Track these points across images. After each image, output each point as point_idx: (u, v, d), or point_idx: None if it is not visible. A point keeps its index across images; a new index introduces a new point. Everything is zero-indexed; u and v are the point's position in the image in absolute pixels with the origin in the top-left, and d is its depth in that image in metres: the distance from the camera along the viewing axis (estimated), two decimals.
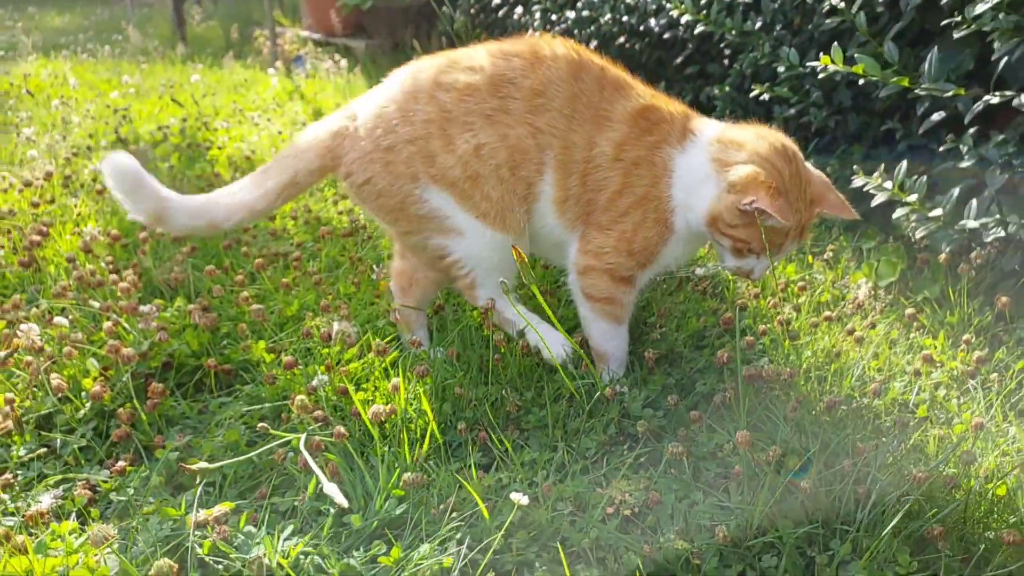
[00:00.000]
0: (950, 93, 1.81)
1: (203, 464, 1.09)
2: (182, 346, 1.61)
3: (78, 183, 2.70)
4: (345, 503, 1.05)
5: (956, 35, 1.82)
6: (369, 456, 1.32)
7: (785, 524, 1.19)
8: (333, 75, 4.74)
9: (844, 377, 1.62)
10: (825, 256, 2.24)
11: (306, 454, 1.17)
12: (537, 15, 4.32)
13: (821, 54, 1.94)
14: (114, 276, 1.83)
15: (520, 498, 1.07)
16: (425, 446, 1.29)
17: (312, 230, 2.36)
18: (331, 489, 1.06)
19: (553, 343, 1.56)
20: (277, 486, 1.32)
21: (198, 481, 1.17)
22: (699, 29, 2.83)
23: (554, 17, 4.09)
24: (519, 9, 4.66)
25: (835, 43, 1.96)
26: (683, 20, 2.84)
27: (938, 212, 1.89)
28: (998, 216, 1.88)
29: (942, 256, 1.99)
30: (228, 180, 2.81)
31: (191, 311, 1.64)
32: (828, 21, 2.37)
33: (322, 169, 1.61)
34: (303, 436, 1.22)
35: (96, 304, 1.71)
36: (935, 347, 1.80)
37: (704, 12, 2.82)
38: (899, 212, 1.95)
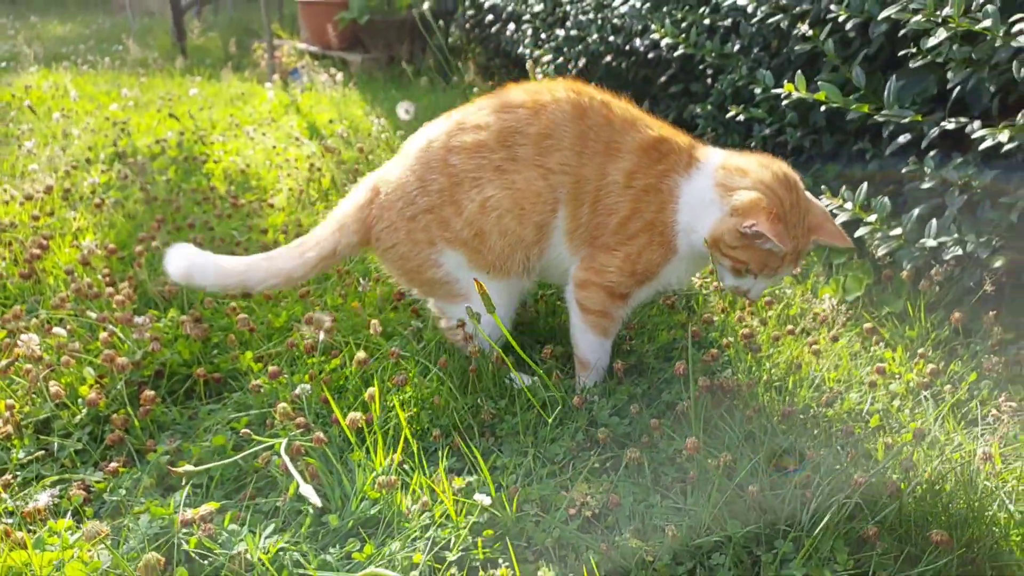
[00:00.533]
0: (907, 119, 1.91)
1: (189, 467, 1.17)
2: (174, 355, 1.70)
3: (77, 196, 2.79)
4: (319, 503, 1.14)
5: (912, 64, 1.92)
6: (348, 460, 1.41)
7: (733, 525, 1.28)
8: (328, 88, 4.84)
9: (802, 388, 1.71)
10: (793, 272, 2.33)
11: (285, 458, 1.26)
12: (528, 32, 4.43)
13: (785, 80, 2.03)
14: (110, 288, 1.92)
15: (483, 499, 1.16)
16: (398, 452, 1.37)
17: None
18: (306, 490, 1.15)
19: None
20: (261, 488, 1.41)
21: (184, 483, 1.25)
22: (679, 52, 2.93)
23: (544, 35, 4.19)
24: (511, 26, 4.78)
25: (806, 67, 2.07)
26: (664, 43, 2.94)
27: (898, 231, 1.99)
28: (956, 235, 1.97)
29: (904, 273, 2.08)
30: (224, 193, 2.91)
31: (183, 322, 1.73)
32: (802, 46, 2.47)
33: (360, 242, 1.74)
34: (284, 441, 1.30)
35: (93, 315, 1.80)
36: (893, 360, 1.89)
37: (684, 35, 2.92)
38: (861, 231, 2.04)
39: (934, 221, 2.00)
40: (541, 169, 1.59)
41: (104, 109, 4.23)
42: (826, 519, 1.23)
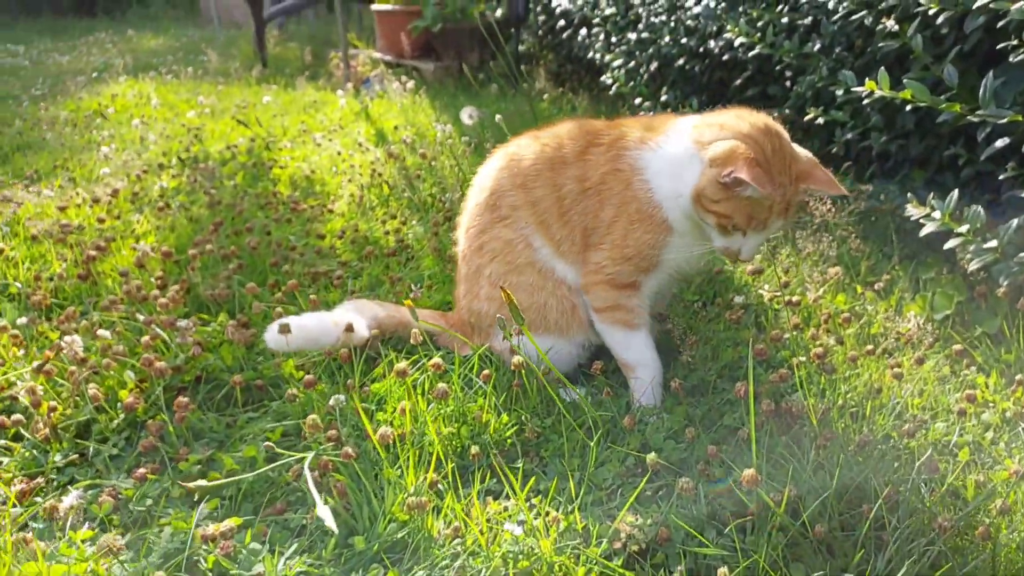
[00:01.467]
0: (1006, 119, 1.72)
1: (201, 482, 1.12)
2: (216, 361, 1.66)
3: (146, 199, 2.83)
4: (334, 528, 1.06)
5: (1013, 59, 1.73)
6: (381, 478, 1.34)
7: (797, 569, 1.15)
8: (399, 96, 4.84)
9: (881, 415, 1.55)
10: (877, 286, 2.16)
11: (308, 476, 1.19)
12: (600, 37, 4.33)
13: (867, 79, 1.87)
14: (156, 292, 1.91)
15: (514, 529, 1.06)
16: (430, 471, 1.29)
17: (359, 249, 2.40)
18: (324, 512, 1.07)
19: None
20: (292, 502, 1.35)
21: (196, 497, 1.20)
22: (754, 52, 2.78)
23: (614, 39, 4.08)
24: (583, 31, 4.68)
25: (893, 68, 1.91)
26: (738, 42, 2.79)
27: (994, 243, 1.80)
28: None
29: (1001, 290, 1.89)
30: (285, 198, 2.90)
31: (228, 327, 1.69)
32: (888, 43, 2.29)
33: None
34: (310, 456, 1.24)
35: (141, 317, 1.79)
36: (986, 386, 1.71)
37: (760, 35, 2.77)
38: (952, 243, 1.86)
39: None
40: (498, 220, 1.66)
41: (181, 116, 4.33)
42: (904, 568, 1.08)
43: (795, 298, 1.99)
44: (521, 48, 5.98)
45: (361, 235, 2.49)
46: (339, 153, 3.43)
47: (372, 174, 2.99)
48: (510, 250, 1.65)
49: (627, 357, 1.64)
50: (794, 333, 1.86)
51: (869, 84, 1.83)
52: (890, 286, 2.20)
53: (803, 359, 1.67)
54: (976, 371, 1.78)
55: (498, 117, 2.91)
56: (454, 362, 1.64)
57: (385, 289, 2.15)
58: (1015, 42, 1.73)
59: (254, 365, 1.72)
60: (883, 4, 2.34)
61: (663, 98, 3.56)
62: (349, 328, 1.58)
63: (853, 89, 2.06)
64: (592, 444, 1.43)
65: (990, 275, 1.98)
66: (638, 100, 3.71)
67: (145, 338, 1.63)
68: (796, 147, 1.54)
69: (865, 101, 2.09)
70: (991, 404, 1.66)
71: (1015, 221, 1.85)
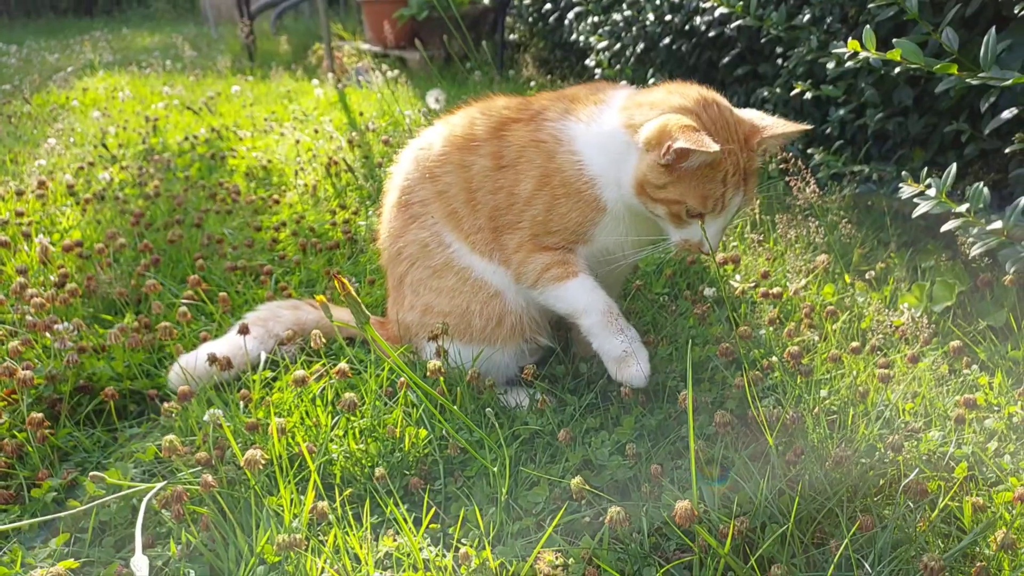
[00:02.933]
0: (1008, 82, 1.49)
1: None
2: (106, 368, 1.46)
3: (90, 192, 2.63)
4: None
5: (1017, 11, 1.50)
6: (266, 507, 1.13)
7: None
8: (380, 86, 4.64)
9: (864, 422, 1.33)
10: (868, 276, 1.93)
11: (141, 510, 0.98)
12: (586, 19, 4.11)
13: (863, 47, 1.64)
14: (52, 291, 1.70)
15: None
16: (307, 502, 1.08)
17: (305, 241, 2.20)
18: (138, 563, 0.87)
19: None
20: (162, 535, 1.14)
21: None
22: (736, 23, 2.56)
23: (596, 19, 3.87)
24: (571, 14, 4.46)
25: (888, 39, 1.68)
26: (719, 12, 2.57)
27: (997, 225, 1.57)
28: None
29: (1007, 278, 1.66)
30: (234, 189, 2.71)
31: (111, 332, 1.48)
32: (882, 8, 2.06)
33: None
34: (157, 487, 1.03)
35: (29, 319, 1.58)
36: (990, 388, 1.49)
37: (742, 4, 2.54)
38: (950, 224, 1.63)
39: None
40: (411, 220, 1.50)
41: (148, 108, 4.14)
42: None
43: (775, 290, 1.77)
44: (512, 36, 5.77)
45: (305, 227, 2.29)
46: (298, 142, 3.23)
47: (329, 163, 2.79)
48: (426, 253, 1.47)
49: (568, 308, 1.40)
50: (770, 329, 1.64)
51: (852, 44, 1.60)
52: (884, 275, 1.97)
53: (777, 358, 1.45)
54: (979, 370, 1.55)
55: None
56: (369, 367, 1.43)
57: (323, 285, 1.94)
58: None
59: (149, 372, 1.52)
60: None
61: (651, 81, 3.34)
62: (223, 365, 1.37)
63: (834, 51, 1.84)
64: (504, 464, 1.21)
65: (996, 262, 1.75)
66: (623, 83, 3.49)
67: (13, 343, 1.42)
68: (741, 111, 1.38)
69: (853, 66, 1.86)
70: (996, 408, 1.44)
71: (1021, 200, 1.62)
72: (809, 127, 1.40)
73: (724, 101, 1.35)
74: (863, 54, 1.61)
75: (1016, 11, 1.54)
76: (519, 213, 1.39)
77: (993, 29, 1.56)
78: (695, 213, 1.30)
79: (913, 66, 1.57)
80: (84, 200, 2.32)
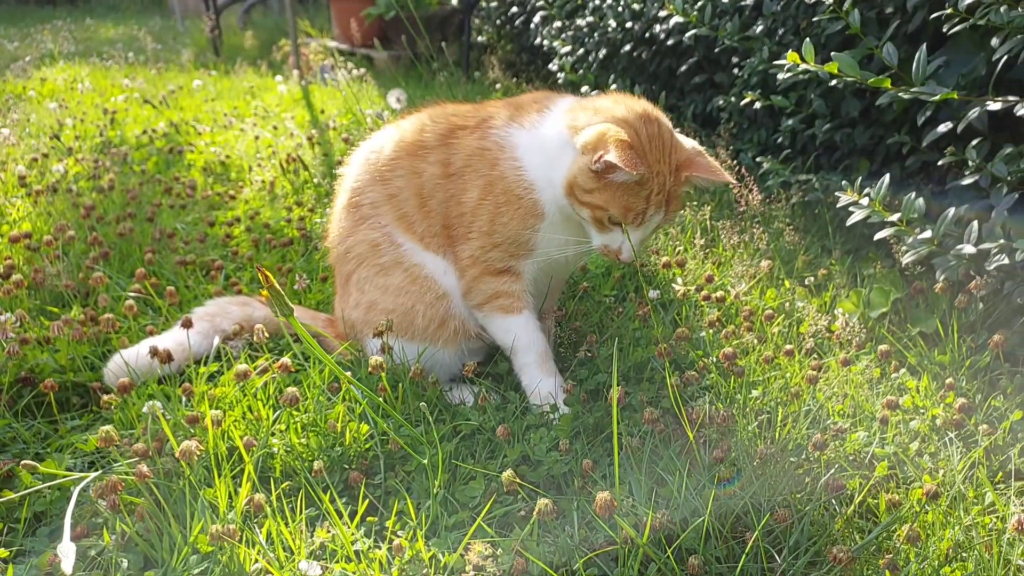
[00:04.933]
0: (936, 97, 1.55)
1: None
2: (49, 360, 1.46)
3: (44, 184, 2.60)
4: (69, 570, 0.86)
5: (945, 29, 1.57)
6: (203, 500, 1.14)
7: None
8: (344, 84, 4.63)
9: (791, 422, 1.38)
10: (808, 281, 1.99)
11: (72, 503, 0.99)
12: (550, 23, 4.15)
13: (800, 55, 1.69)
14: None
15: (308, 568, 0.87)
16: (244, 490, 1.10)
17: (258, 237, 2.20)
18: (65, 549, 0.88)
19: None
20: (99, 525, 1.15)
21: None
22: (691, 32, 2.61)
23: (559, 24, 3.91)
24: (536, 18, 4.50)
25: (838, 51, 1.73)
26: (673, 21, 2.62)
27: (927, 234, 1.63)
28: (1003, 241, 1.61)
29: (938, 286, 1.72)
30: (200, 186, 2.70)
31: (54, 324, 1.48)
32: (829, 24, 2.12)
33: None
34: (91, 477, 1.04)
35: None
36: (916, 390, 1.55)
37: (697, 14, 2.59)
38: (883, 233, 1.69)
39: (974, 223, 1.64)
40: (360, 221, 1.51)
41: (107, 101, 4.10)
42: None
43: (718, 293, 1.81)
44: (480, 38, 5.80)
45: (260, 224, 2.29)
46: (257, 138, 3.22)
47: (288, 160, 2.79)
48: (375, 252, 1.49)
49: (507, 340, 1.48)
50: (710, 331, 1.68)
51: (792, 56, 1.65)
52: (826, 282, 2.03)
53: (706, 361, 1.50)
54: (908, 374, 1.61)
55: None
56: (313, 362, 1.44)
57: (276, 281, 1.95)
58: (948, 10, 1.56)
59: (93, 365, 1.52)
60: None
61: (612, 86, 3.39)
62: (164, 358, 1.38)
63: (775, 63, 1.90)
64: (441, 458, 1.24)
65: (931, 270, 1.82)
66: (585, 88, 3.54)
67: None
68: (681, 137, 1.42)
69: (807, 86, 1.91)
70: (921, 410, 1.50)
71: (951, 210, 1.69)
72: (733, 182, 1.46)
73: (667, 122, 1.39)
74: (803, 66, 1.67)
75: (945, 30, 1.60)
76: (468, 224, 1.42)
77: (924, 46, 1.63)
78: (616, 222, 1.34)
79: (849, 79, 1.63)
80: (36, 192, 2.30)
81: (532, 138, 1.40)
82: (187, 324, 1.44)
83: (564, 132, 1.36)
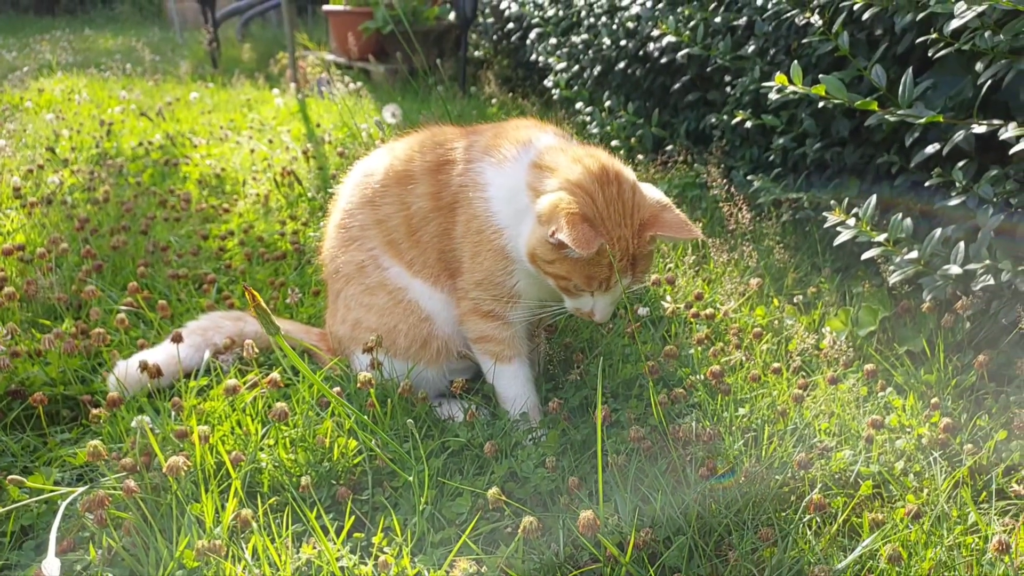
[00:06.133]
0: (922, 120, 1.58)
1: None
2: (39, 373, 1.47)
3: (39, 196, 2.61)
4: None
5: (931, 53, 1.59)
6: (190, 515, 1.15)
7: None
8: (341, 98, 4.66)
9: (776, 440, 1.39)
10: (796, 299, 2.00)
11: (59, 514, 1.00)
12: (545, 40, 4.19)
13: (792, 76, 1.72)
14: None
15: None
16: (230, 505, 1.10)
17: (251, 251, 2.22)
18: (49, 565, 0.88)
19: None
20: (85, 539, 1.16)
21: None
22: (684, 51, 2.64)
23: (554, 41, 3.94)
24: (532, 34, 4.54)
25: (827, 71, 1.76)
26: (666, 41, 2.65)
27: (914, 255, 1.65)
28: (989, 262, 1.63)
29: (925, 305, 1.74)
30: (197, 198, 2.71)
31: (46, 337, 1.48)
32: (820, 45, 2.15)
33: None
34: (79, 491, 1.05)
35: None
36: (903, 409, 1.56)
37: (690, 34, 2.62)
38: (870, 252, 1.71)
39: (961, 244, 1.66)
40: (350, 242, 1.52)
41: (104, 112, 4.11)
42: None
43: (707, 311, 1.83)
44: (477, 54, 5.84)
45: (253, 237, 2.30)
46: (252, 151, 3.24)
47: (283, 174, 2.80)
48: (361, 272, 1.50)
49: (496, 387, 1.51)
50: (698, 349, 1.70)
51: (780, 78, 1.68)
52: (815, 300, 2.05)
53: (694, 378, 1.51)
54: (894, 392, 1.62)
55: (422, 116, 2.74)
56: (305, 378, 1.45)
57: (268, 295, 1.96)
58: (934, 35, 1.58)
59: (84, 378, 1.52)
60: (814, 2, 2.20)
61: (607, 103, 3.42)
62: (154, 373, 1.38)
63: (764, 84, 1.92)
64: (412, 485, 1.24)
65: (918, 290, 1.84)
66: (579, 104, 3.57)
67: None
68: (646, 188, 1.37)
69: (798, 106, 1.94)
70: (907, 429, 1.51)
71: (938, 231, 1.71)
72: (701, 236, 1.39)
73: (628, 177, 1.34)
74: (791, 88, 1.69)
75: (930, 53, 1.63)
76: (459, 259, 1.43)
77: (911, 69, 1.65)
78: (582, 289, 1.32)
79: (836, 101, 1.65)
80: (30, 203, 2.31)
81: (503, 180, 1.38)
82: (177, 339, 1.45)
83: (527, 193, 1.33)
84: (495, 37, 5.53)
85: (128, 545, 1.06)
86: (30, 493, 1.17)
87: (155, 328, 1.73)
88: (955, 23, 1.49)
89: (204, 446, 1.14)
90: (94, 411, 1.27)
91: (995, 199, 1.69)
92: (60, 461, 1.29)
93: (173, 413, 1.35)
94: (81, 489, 1.08)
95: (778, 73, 1.69)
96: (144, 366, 1.35)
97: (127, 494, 1.04)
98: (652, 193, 1.36)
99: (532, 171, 1.34)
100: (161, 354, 1.48)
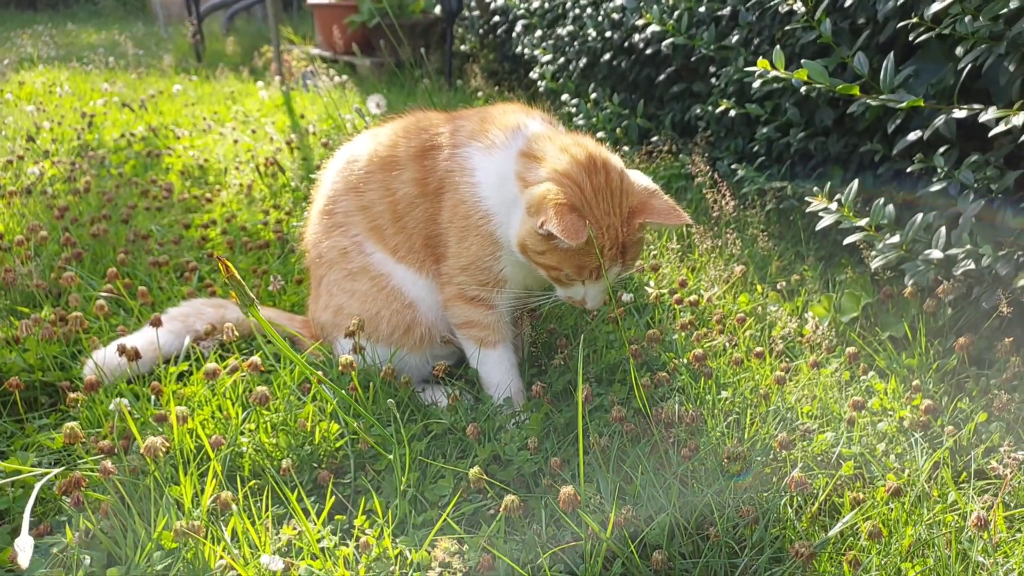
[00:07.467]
0: (903, 104, 1.58)
1: None
2: (16, 360, 1.45)
3: (19, 187, 2.59)
4: (25, 564, 0.86)
5: (912, 38, 1.60)
6: (168, 497, 1.14)
7: None
8: (325, 91, 4.64)
9: (758, 423, 1.39)
10: (780, 286, 2.01)
11: (33, 494, 0.98)
12: (531, 32, 4.18)
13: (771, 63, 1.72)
14: None
15: (271, 562, 0.87)
16: (209, 487, 1.09)
17: (234, 239, 2.20)
18: (22, 543, 0.87)
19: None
20: (63, 522, 1.14)
21: None
22: (668, 41, 2.64)
23: (540, 33, 3.93)
24: (518, 27, 4.53)
25: (812, 60, 1.76)
26: (650, 31, 2.65)
27: (895, 240, 1.66)
28: (970, 247, 1.64)
29: (907, 290, 1.75)
30: (179, 188, 2.69)
31: (23, 323, 1.47)
32: (803, 33, 2.15)
33: None
34: (54, 472, 1.03)
35: None
36: (884, 393, 1.57)
37: (674, 23, 2.62)
38: (852, 238, 1.72)
39: (942, 229, 1.67)
40: (333, 228, 1.51)
41: (85, 104, 4.08)
42: None
43: (691, 297, 1.83)
44: (464, 47, 5.82)
45: (236, 226, 2.29)
46: (236, 142, 3.22)
47: (266, 164, 2.79)
48: (344, 258, 1.49)
49: (481, 373, 1.50)
50: (682, 334, 1.70)
51: (762, 63, 1.68)
52: (798, 287, 2.05)
53: (677, 362, 1.51)
54: (876, 376, 1.63)
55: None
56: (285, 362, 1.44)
57: (251, 284, 1.95)
58: (915, 19, 1.59)
59: (63, 364, 1.51)
60: None
61: (593, 95, 3.42)
62: (132, 356, 1.37)
63: (746, 70, 1.92)
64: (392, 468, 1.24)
65: (900, 275, 1.85)
66: (565, 96, 3.57)
67: None
68: (634, 175, 1.36)
69: (782, 95, 1.94)
70: (889, 412, 1.52)
71: (919, 216, 1.71)
72: (691, 222, 1.39)
73: (616, 165, 1.33)
74: (773, 72, 1.69)
75: (912, 39, 1.63)
76: (445, 244, 1.42)
77: (892, 55, 1.66)
78: (572, 279, 1.32)
79: (818, 86, 1.65)
80: (9, 193, 2.29)
81: (492, 166, 1.37)
82: (156, 323, 1.44)
83: (516, 184, 1.32)
84: (481, 30, 5.52)
85: (106, 527, 1.05)
86: (5, 476, 1.15)
87: (135, 315, 1.71)
88: (935, 7, 1.50)
89: (183, 428, 1.13)
90: (71, 395, 1.26)
91: (976, 185, 1.70)
92: (37, 446, 1.28)
93: (152, 398, 1.34)
94: (57, 470, 1.07)
95: (760, 58, 1.69)
96: (123, 349, 1.34)
97: (104, 475, 1.03)
98: (640, 180, 1.36)
99: (521, 160, 1.34)
100: (140, 339, 1.47)
